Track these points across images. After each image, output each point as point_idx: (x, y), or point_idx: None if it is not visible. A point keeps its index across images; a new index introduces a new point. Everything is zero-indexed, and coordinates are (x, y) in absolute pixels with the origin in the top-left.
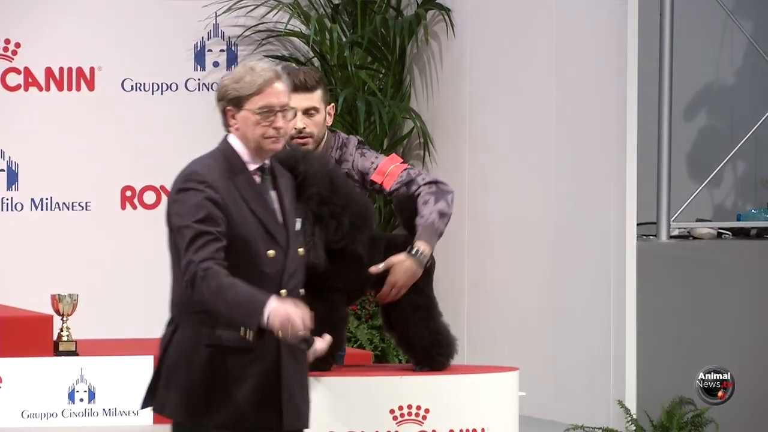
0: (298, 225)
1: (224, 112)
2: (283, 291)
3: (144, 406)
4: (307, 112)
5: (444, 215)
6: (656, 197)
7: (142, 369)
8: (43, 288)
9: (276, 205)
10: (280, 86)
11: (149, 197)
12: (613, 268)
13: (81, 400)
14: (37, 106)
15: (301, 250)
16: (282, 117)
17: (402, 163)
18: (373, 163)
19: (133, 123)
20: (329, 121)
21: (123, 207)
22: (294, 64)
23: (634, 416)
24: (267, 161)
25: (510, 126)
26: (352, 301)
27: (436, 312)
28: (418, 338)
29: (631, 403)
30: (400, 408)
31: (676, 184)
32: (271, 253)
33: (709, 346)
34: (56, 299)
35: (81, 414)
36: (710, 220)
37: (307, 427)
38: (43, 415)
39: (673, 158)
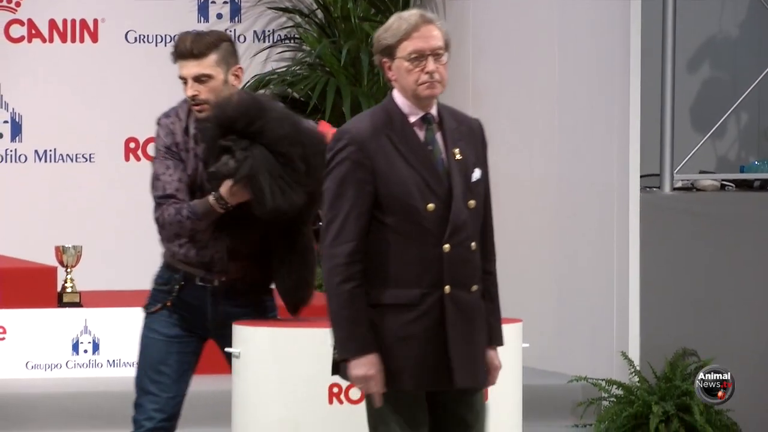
0: (476, 175)
1: (381, 65)
2: (445, 246)
3: (333, 373)
4: (199, 79)
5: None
6: (659, 149)
7: None
8: (47, 240)
9: (442, 156)
10: (429, 30)
11: (153, 149)
12: (616, 220)
13: (85, 351)
14: (41, 58)
15: (472, 202)
16: (434, 61)
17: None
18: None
19: (136, 75)
20: (236, 82)
21: (127, 158)
22: (190, 30)
23: (638, 368)
24: (432, 111)
25: (512, 80)
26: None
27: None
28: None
29: (635, 355)
30: None
31: (679, 136)
32: (430, 206)
33: (712, 298)
34: (60, 251)
35: (85, 365)
36: (713, 172)
37: (482, 385)
38: (47, 366)
39: (676, 110)
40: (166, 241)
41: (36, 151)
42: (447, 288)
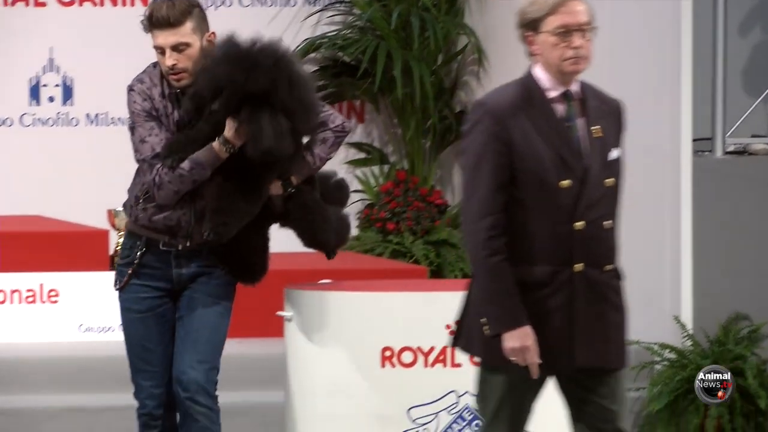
0: (614, 153)
1: (524, 39)
2: (578, 223)
3: (453, 345)
4: (177, 48)
5: (325, 161)
6: (711, 113)
7: None
8: (99, 203)
9: (581, 132)
10: (575, 5)
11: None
12: (668, 185)
13: None
14: (92, 22)
15: (609, 180)
16: (580, 36)
17: None
18: None
19: None
20: (210, 48)
21: None
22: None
23: (690, 332)
24: (573, 87)
25: None
26: None
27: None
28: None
29: (687, 319)
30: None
31: (731, 100)
32: (564, 183)
33: (765, 261)
34: (112, 214)
35: None
36: (765, 136)
37: (614, 365)
38: (100, 329)
39: (728, 74)
40: (165, 201)
41: (87, 115)
42: (579, 266)
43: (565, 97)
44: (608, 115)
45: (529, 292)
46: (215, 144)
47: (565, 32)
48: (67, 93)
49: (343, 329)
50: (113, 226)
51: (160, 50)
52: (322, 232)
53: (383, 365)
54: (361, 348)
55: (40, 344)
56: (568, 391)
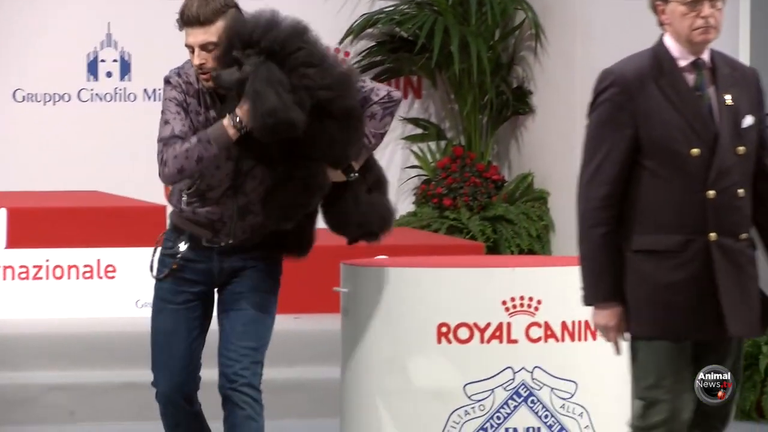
0: (747, 121)
1: (654, 8)
2: (710, 192)
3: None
4: (205, 47)
5: (383, 135)
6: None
7: None
8: (156, 178)
9: (711, 101)
10: None
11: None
12: None
13: None
14: None
15: (741, 148)
16: (710, 6)
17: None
18: None
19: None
20: None
21: None
22: None
23: None
24: (704, 56)
25: (622, 15)
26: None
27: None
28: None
29: None
30: (513, 299)
31: None
32: (694, 151)
33: None
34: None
35: None
36: None
37: (756, 334)
38: None
39: None
40: (168, 179)
41: (145, 90)
42: (713, 235)
43: (695, 65)
44: (741, 82)
45: (663, 261)
46: (225, 119)
47: (694, 1)
48: (125, 68)
49: (399, 305)
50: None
51: (191, 49)
52: (345, 227)
53: (439, 341)
54: (417, 324)
55: (97, 320)
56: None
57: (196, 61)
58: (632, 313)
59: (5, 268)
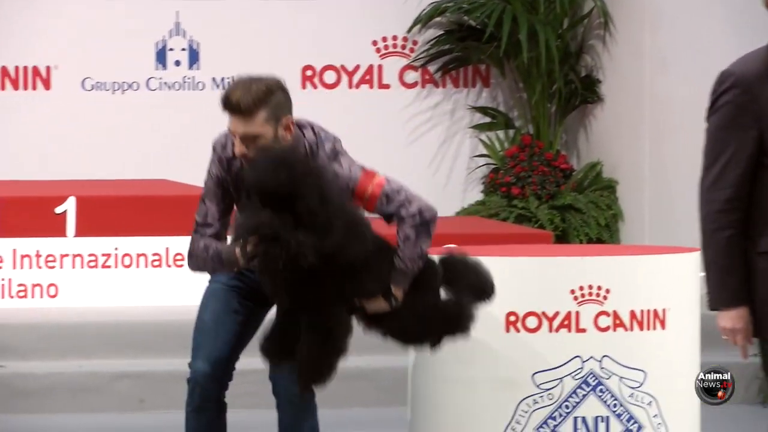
0: None
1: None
2: None
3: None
4: (246, 138)
5: (424, 256)
6: None
7: None
8: None
9: None
10: None
11: (329, 77)
12: None
13: None
14: None
15: None
16: None
17: (377, 177)
18: (349, 179)
19: (312, 3)
20: (287, 134)
21: (303, 86)
22: (245, 77)
23: None
24: None
25: (691, 3)
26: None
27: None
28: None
29: None
30: (581, 288)
31: None
32: None
33: None
34: None
35: None
36: None
37: None
38: None
39: None
40: (191, 269)
41: (213, 79)
42: None
43: None
44: None
45: None
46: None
47: None
48: (194, 57)
49: None
50: None
51: (232, 134)
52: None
53: (508, 330)
54: (485, 313)
55: (166, 308)
56: None
57: (238, 151)
58: (760, 316)
59: (74, 256)
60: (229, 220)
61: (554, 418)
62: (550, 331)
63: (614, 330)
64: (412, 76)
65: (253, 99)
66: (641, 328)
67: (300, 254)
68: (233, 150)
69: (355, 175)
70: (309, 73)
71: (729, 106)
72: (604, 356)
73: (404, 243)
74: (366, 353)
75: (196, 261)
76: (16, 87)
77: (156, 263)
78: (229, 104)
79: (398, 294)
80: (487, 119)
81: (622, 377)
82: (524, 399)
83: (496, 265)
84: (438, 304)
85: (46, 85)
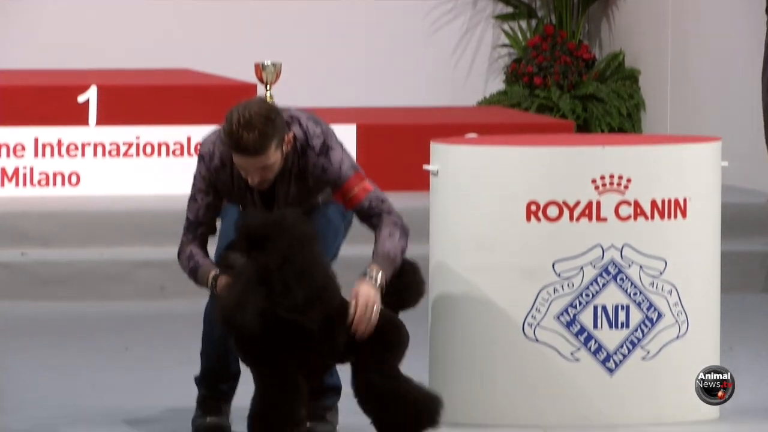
0: None
1: None
2: None
3: None
4: (262, 168)
5: (404, 254)
6: None
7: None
8: (247, 56)
9: None
10: None
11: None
12: None
13: None
14: None
15: None
16: None
17: (365, 182)
18: (338, 178)
19: None
20: (288, 148)
21: None
22: (239, 114)
23: None
24: None
25: None
26: (318, 374)
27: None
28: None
29: None
30: (602, 177)
31: None
32: None
33: None
34: (259, 68)
35: None
36: None
37: None
38: None
39: None
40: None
41: None
42: None
43: None
44: None
45: None
46: (211, 276)
47: None
48: None
49: (488, 183)
50: (260, 79)
51: (242, 168)
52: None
53: (529, 219)
54: (506, 202)
55: (187, 196)
56: None
57: (253, 182)
58: None
59: (96, 145)
60: (215, 220)
61: (574, 307)
62: (571, 220)
63: (635, 219)
64: None
65: (264, 139)
66: (662, 217)
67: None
68: (221, 160)
69: (345, 174)
70: None
71: None
72: (625, 245)
73: (389, 237)
74: None
75: (181, 263)
76: None
77: (177, 152)
78: (240, 149)
79: (379, 276)
80: (510, 9)
81: (642, 266)
82: (544, 287)
83: (517, 154)
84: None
85: None
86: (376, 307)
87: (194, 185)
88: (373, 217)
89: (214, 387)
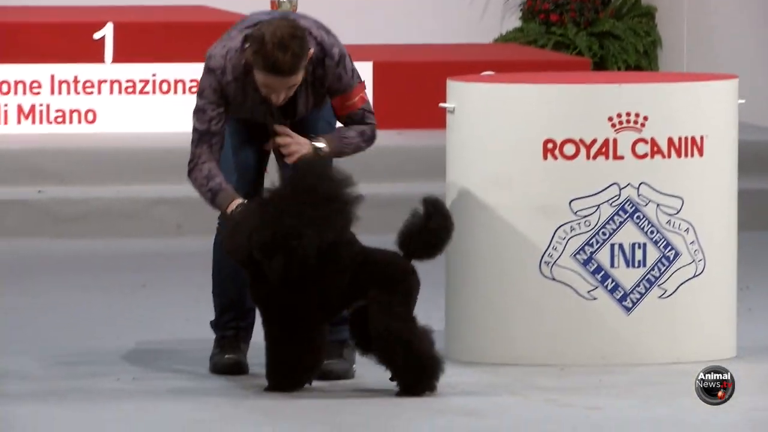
0: None
1: None
2: None
3: None
4: (290, 89)
5: (359, 148)
6: None
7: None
8: None
9: None
10: None
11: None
12: None
13: None
14: None
15: None
16: None
17: (364, 89)
18: (349, 86)
19: None
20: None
21: None
22: (277, 38)
23: None
24: None
25: None
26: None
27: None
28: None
29: None
30: (619, 115)
31: None
32: None
33: None
34: (275, 4)
35: None
36: None
37: None
38: None
39: None
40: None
41: None
42: None
43: None
44: None
45: None
46: (234, 204)
47: None
48: None
49: (505, 121)
50: None
51: (267, 87)
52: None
53: (545, 157)
54: (523, 140)
55: None
56: None
57: (278, 101)
58: None
59: (112, 82)
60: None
61: (591, 245)
62: (588, 158)
63: (652, 157)
64: None
65: (297, 59)
66: (679, 156)
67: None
68: (233, 75)
69: (354, 82)
70: None
71: None
72: (642, 183)
73: (357, 133)
74: (403, 180)
75: (195, 181)
76: None
77: (194, 89)
78: (275, 70)
79: (322, 142)
80: None
81: (659, 204)
82: (561, 226)
83: (534, 92)
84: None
85: None
86: (304, 150)
87: (203, 98)
88: (359, 124)
89: (230, 325)
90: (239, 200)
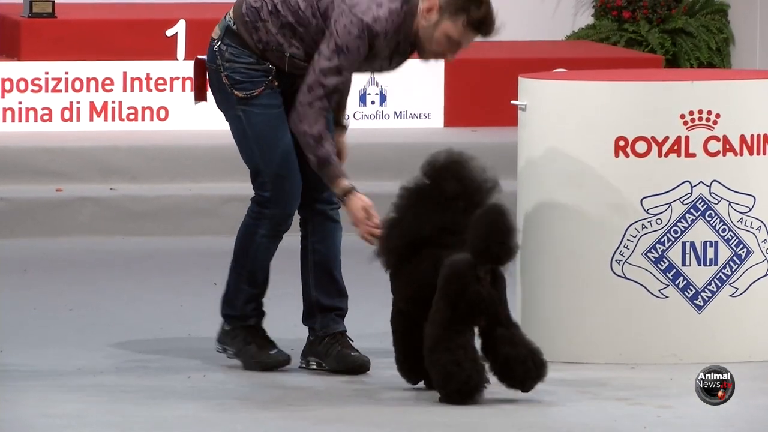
0: None
1: None
2: None
3: None
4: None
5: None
6: None
7: (433, 72)
8: None
9: None
10: None
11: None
12: None
13: (372, 102)
14: None
15: None
16: None
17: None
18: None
19: None
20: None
21: None
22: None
23: None
24: None
25: None
26: None
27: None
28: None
29: None
30: (691, 113)
31: None
32: None
33: None
34: None
35: (372, 117)
36: None
37: None
38: None
39: None
40: (294, 121)
41: None
42: None
43: None
44: None
45: None
46: (345, 182)
47: None
48: None
49: (577, 119)
50: None
51: (453, 41)
52: None
53: (617, 155)
54: (594, 138)
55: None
56: None
57: (453, 57)
58: None
59: (184, 79)
60: None
61: (662, 243)
62: (660, 156)
63: (724, 155)
64: None
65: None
66: (751, 153)
67: None
68: (386, 35)
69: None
70: None
71: None
72: (714, 181)
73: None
74: None
75: (307, 132)
76: None
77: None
78: (489, 33)
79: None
80: None
81: (731, 202)
82: (633, 224)
83: (606, 90)
84: None
85: None
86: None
87: (346, 58)
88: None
89: (252, 314)
90: (347, 183)
